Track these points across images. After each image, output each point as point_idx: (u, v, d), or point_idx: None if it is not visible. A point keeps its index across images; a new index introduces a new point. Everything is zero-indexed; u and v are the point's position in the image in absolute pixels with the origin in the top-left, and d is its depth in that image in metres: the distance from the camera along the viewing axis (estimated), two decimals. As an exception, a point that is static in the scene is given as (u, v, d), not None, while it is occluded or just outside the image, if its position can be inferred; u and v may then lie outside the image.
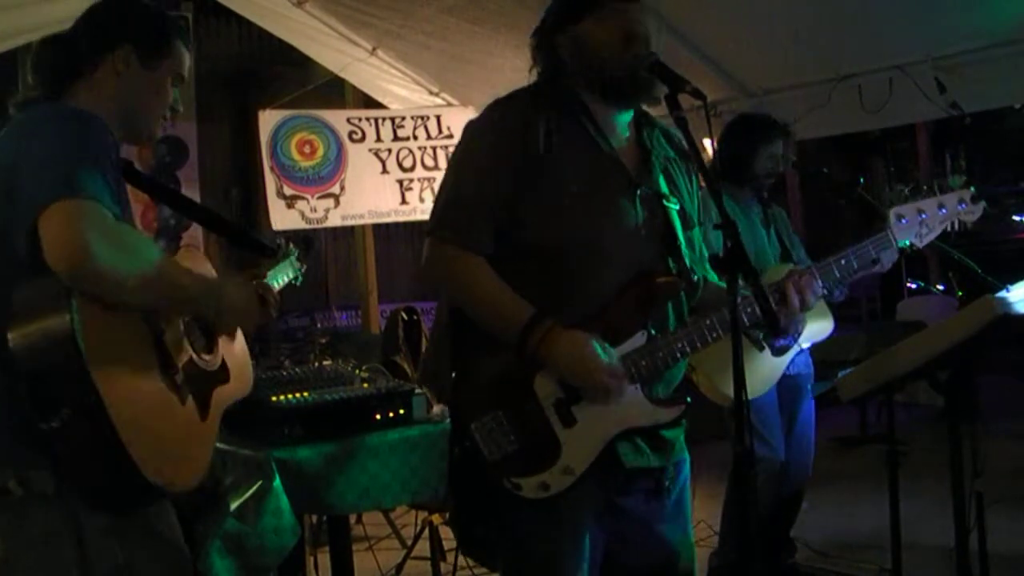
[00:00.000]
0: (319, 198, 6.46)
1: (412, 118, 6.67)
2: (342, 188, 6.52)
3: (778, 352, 3.77)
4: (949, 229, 2.45)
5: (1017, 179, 11.03)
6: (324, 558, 3.51)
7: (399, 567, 4.23)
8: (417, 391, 2.95)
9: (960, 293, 6.96)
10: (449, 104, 6.80)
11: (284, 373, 3.07)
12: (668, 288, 2.17)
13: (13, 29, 4.70)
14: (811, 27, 4.60)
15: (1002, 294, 2.42)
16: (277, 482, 2.60)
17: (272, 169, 6.37)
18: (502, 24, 5.37)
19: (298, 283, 2.70)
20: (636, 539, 2.25)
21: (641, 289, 2.14)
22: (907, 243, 2.37)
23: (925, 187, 2.41)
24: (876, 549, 4.18)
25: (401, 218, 6.80)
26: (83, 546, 1.79)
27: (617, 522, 2.22)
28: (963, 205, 2.39)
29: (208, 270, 2.25)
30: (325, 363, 3.34)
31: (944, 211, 2.36)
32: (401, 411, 2.89)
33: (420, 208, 6.58)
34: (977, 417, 3.00)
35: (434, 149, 6.67)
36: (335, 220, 6.57)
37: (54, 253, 1.67)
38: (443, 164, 6.54)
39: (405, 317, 5.03)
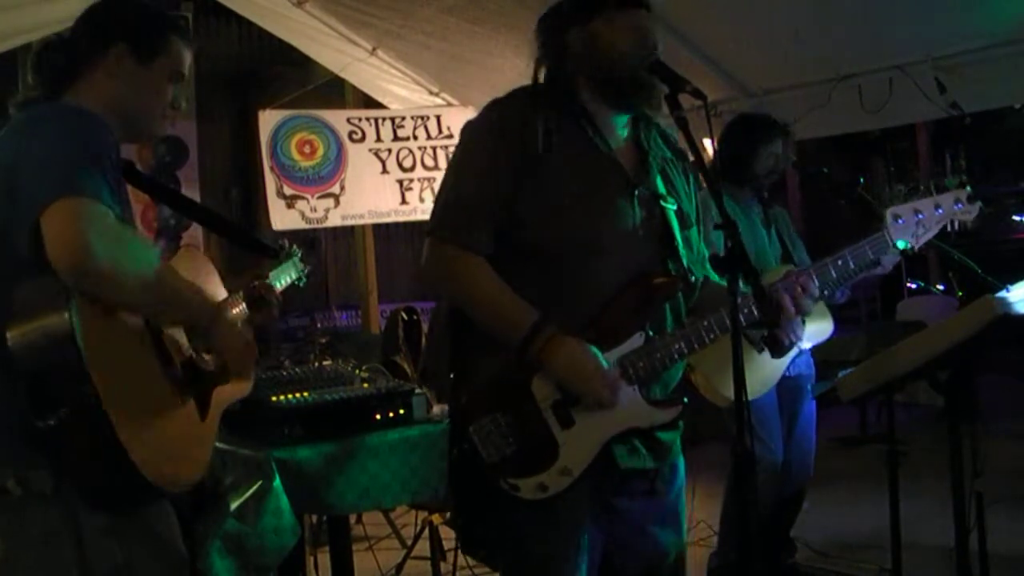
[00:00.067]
0: (319, 198, 6.46)
1: (412, 118, 6.66)
2: (342, 188, 6.52)
3: (777, 353, 3.76)
4: (949, 229, 2.45)
5: (1017, 179, 11.03)
6: (324, 558, 3.50)
7: (399, 567, 4.23)
8: (417, 391, 2.95)
9: (960, 293, 6.95)
10: (449, 104, 6.80)
11: (284, 373, 3.08)
12: (666, 289, 2.17)
13: (13, 29, 4.70)
14: (811, 27, 4.60)
15: (1002, 294, 2.42)
16: (277, 482, 2.60)
17: (272, 169, 6.37)
18: (502, 24, 5.37)
19: (301, 284, 2.71)
20: (629, 540, 2.25)
21: (639, 290, 2.14)
22: (907, 244, 2.36)
23: (922, 187, 2.41)
24: (876, 549, 4.18)
25: (401, 218, 6.80)
26: (82, 546, 1.79)
27: (614, 523, 2.22)
28: (960, 205, 2.39)
29: (210, 271, 2.26)
30: (325, 363, 3.34)
31: (941, 211, 2.36)
32: (401, 411, 2.89)
33: (420, 208, 6.58)
34: (977, 417, 3.00)
35: (434, 149, 6.66)
36: (335, 220, 6.57)
37: (55, 251, 1.67)
38: (443, 164, 6.54)
39: (405, 317, 5.01)
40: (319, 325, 7.24)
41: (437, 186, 2.32)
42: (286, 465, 2.64)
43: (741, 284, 1.93)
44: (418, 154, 6.66)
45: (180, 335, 1.99)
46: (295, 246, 2.76)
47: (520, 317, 2.08)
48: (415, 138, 6.65)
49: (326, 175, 6.48)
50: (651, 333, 2.15)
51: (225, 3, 6.12)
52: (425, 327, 5.08)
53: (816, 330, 3.85)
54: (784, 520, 4.08)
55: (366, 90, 6.95)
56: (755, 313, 2.13)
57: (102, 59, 1.99)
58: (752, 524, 2.06)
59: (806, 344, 3.89)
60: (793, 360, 3.85)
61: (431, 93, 6.78)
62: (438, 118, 6.69)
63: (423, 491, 2.86)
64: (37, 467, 1.76)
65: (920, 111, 4.80)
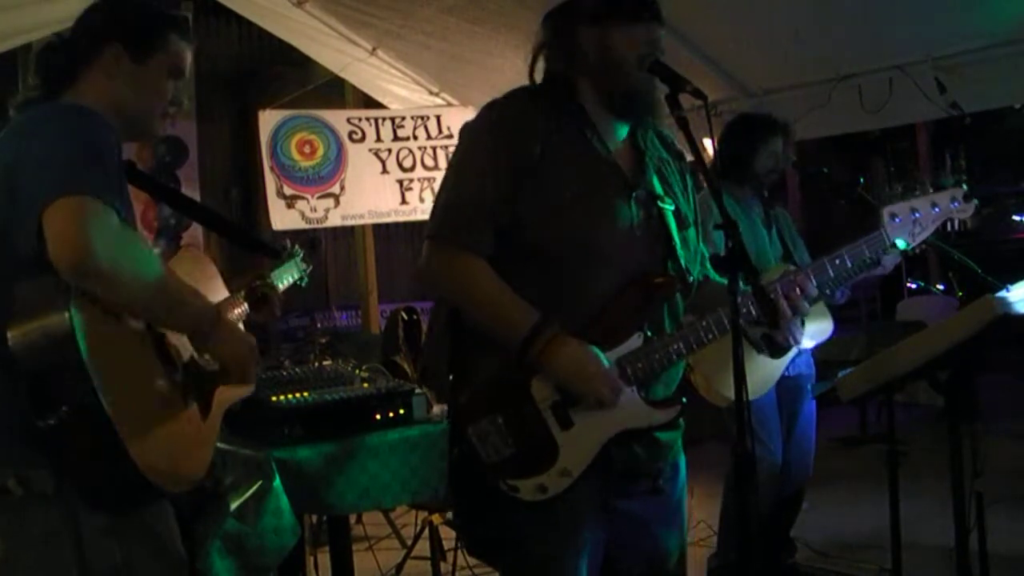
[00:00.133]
0: (319, 198, 6.46)
1: (412, 118, 6.67)
2: (342, 188, 6.52)
3: (777, 353, 3.77)
4: (949, 229, 2.46)
5: (1017, 179, 11.04)
6: (324, 558, 3.50)
7: (399, 567, 4.23)
8: (417, 391, 2.95)
9: (960, 293, 6.95)
10: (449, 104, 6.79)
11: (284, 373, 3.08)
12: (664, 289, 2.17)
13: (13, 29, 4.70)
14: (811, 27, 4.60)
15: (1002, 294, 2.42)
16: (277, 482, 2.60)
17: (272, 169, 6.37)
18: (502, 24, 5.37)
19: (303, 284, 2.71)
20: (632, 541, 2.25)
21: (637, 290, 2.14)
22: (906, 244, 2.37)
23: (918, 187, 2.41)
24: (876, 549, 4.18)
25: (401, 218, 6.80)
26: (82, 546, 1.79)
27: (614, 524, 2.22)
28: (956, 203, 2.39)
29: (212, 271, 2.26)
30: (325, 363, 3.34)
31: (937, 209, 2.37)
32: (401, 411, 2.89)
33: (420, 208, 6.58)
34: (977, 417, 3.00)
35: (434, 149, 6.67)
36: (335, 220, 6.57)
37: (56, 250, 1.67)
38: (443, 164, 6.54)
39: (405, 317, 5.02)
40: (319, 325, 7.24)
41: (437, 186, 2.32)
42: (286, 465, 2.64)
43: (741, 283, 1.93)
44: (418, 154, 6.66)
45: (182, 335, 1.98)
46: (296, 246, 2.76)
47: (521, 317, 2.08)
48: (415, 138, 6.65)
49: (326, 175, 6.48)
50: (649, 334, 2.15)
51: (225, 3, 6.12)
52: (425, 327, 5.08)
53: (816, 330, 3.85)
54: (784, 520, 4.08)
55: (366, 90, 6.95)
56: (753, 313, 2.13)
57: (100, 59, 1.98)
58: (752, 524, 2.06)
59: (807, 344, 3.89)
60: (793, 360, 3.85)
61: (431, 93, 6.78)
62: (438, 118, 6.69)
63: (423, 491, 2.86)
64: (38, 467, 1.76)
65: (920, 111, 4.80)
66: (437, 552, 3.98)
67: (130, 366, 1.79)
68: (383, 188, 6.61)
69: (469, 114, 2.29)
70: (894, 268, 3.94)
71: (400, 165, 6.64)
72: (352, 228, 7.28)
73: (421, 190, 6.64)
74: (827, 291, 3.59)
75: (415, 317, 4.96)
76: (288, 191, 6.38)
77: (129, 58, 1.99)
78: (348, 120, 6.61)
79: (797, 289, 2.19)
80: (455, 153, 2.26)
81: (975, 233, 10.28)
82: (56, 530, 1.79)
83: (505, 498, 2.08)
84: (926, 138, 10.74)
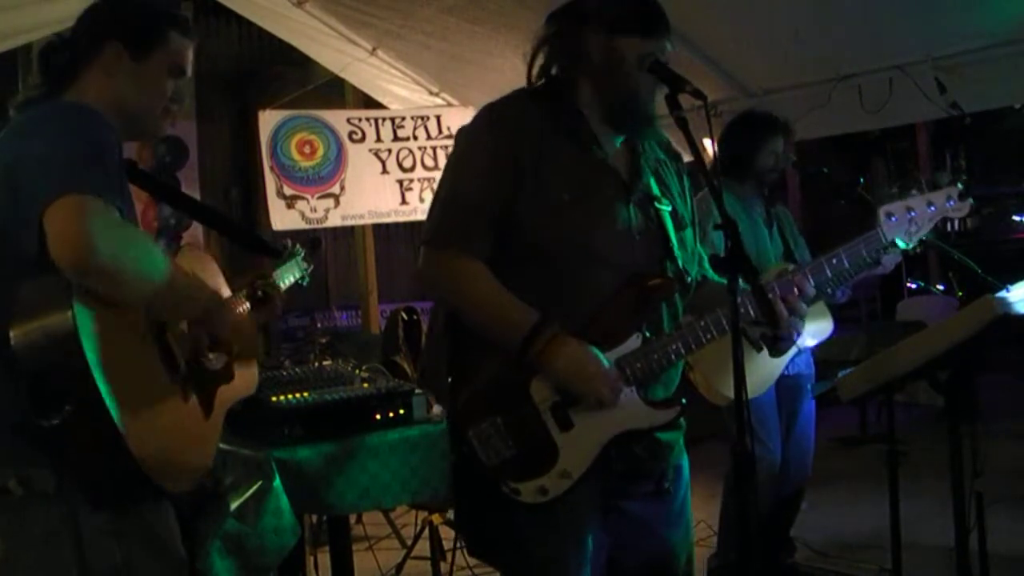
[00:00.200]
0: (319, 198, 6.46)
1: (412, 118, 6.66)
2: (342, 188, 6.51)
3: (776, 353, 3.77)
4: (949, 229, 2.47)
5: (1017, 179, 11.04)
6: (324, 558, 3.51)
7: (399, 567, 4.23)
8: (417, 391, 2.94)
9: (960, 293, 6.95)
10: (449, 104, 6.79)
11: (284, 373, 3.07)
12: (662, 290, 2.17)
13: (13, 29, 4.69)
14: (811, 27, 4.60)
15: (1002, 294, 2.42)
16: (277, 482, 2.60)
17: (272, 169, 6.37)
18: (502, 24, 5.37)
19: (304, 283, 2.71)
20: (638, 542, 2.25)
21: (635, 291, 2.14)
22: (904, 243, 2.37)
23: (914, 184, 2.42)
24: (876, 549, 4.18)
25: (401, 218, 6.80)
26: (82, 545, 1.79)
27: (617, 525, 2.22)
28: (952, 202, 2.39)
29: (214, 270, 2.26)
30: (325, 363, 3.34)
31: (933, 208, 2.37)
32: (401, 411, 2.89)
33: (420, 208, 6.57)
34: (977, 417, 3.00)
35: (434, 149, 6.67)
36: (335, 220, 6.56)
37: (57, 249, 1.66)
38: (443, 164, 6.52)
39: (405, 317, 5.02)
40: (319, 325, 7.24)
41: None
42: (286, 465, 2.64)
43: (741, 283, 1.93)
44: (418, 154, 6.66)
45: (185, 334, 1.98)
46: (298, 245, 2.76)
47: (520, 318, 2.08)
48: (415, 138, 6.65)
49: (326, 175, 6.48)
50: (648, 334, 2.15)
51: (225, 3, 6.11)
52: (425, 327, 5.08)
53: (816, 329, 3.85)
54: (783, 520, 4.08)
55: (366, 90, 6.94)
56: (752, 313, 2.13)
57: (100, 58, 1.98)
58: (752, 524, 2.06)
59: (810, 342, 3.89)
60: (792, 359, 3.85)
61: (431, 93, 6.78)
62: (438, 118, 6.69)
63: (423, 491, 2.86)
64: (38, 466, 1.76)
65: (920, 111, 4.80)
66: (437, 552, 3.98)
67: (133, 365, 1.79)
68: (383, 188, 6.61)
69: (469, 114, 2.28)
70: (894, 268, 3.94)
71: (400, 165, 6.64)
72: (352, 228, 7.28)
73: (421, 190, 6.64)
74: (827, 290, 3.60)
75: (415, 317, 4.96)
76: (288, 191, 6.38)
77: (129, 57, 1.99)
78: (348, 120, 6.60)
79: (795, 290, 2.19)
80: (451, 156, 2.26)
81: (975, 233, 10.28)
82: (56, 530, 1.79)
83: (506, 500, 2.08)
84: (926, 138, 10.73)
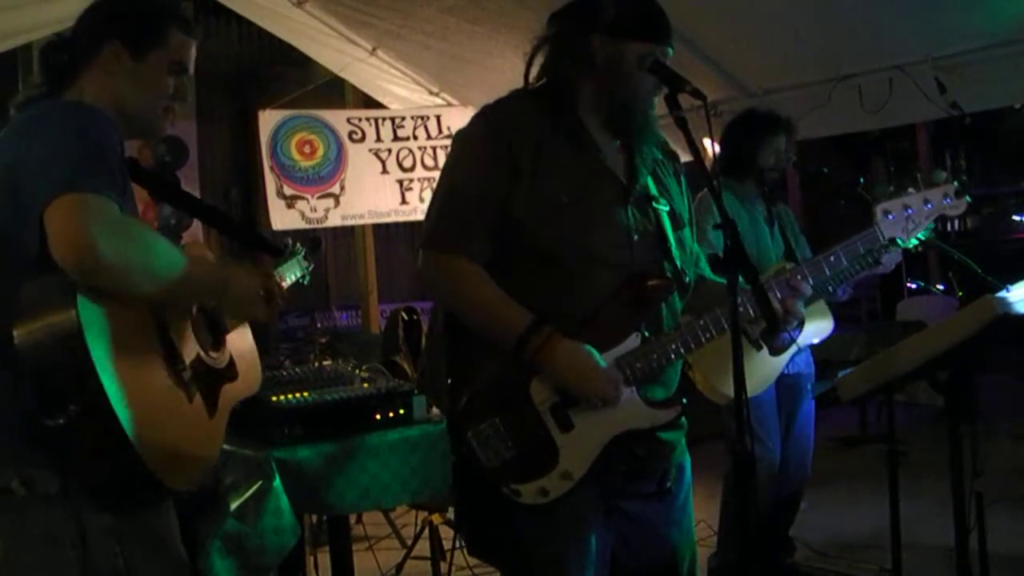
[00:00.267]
0: (319, 198, 6.46)
1: (412, 118, 6.67)
2: (342, 188, 6.52)
3: (776, 351, 3.77)
4: (949, 229, 2.47)
5: (1017, 179, 11.04)
6: (324, 558, 3.51)
7: (399, 567, 4.23)
8: (417, 392, 2.94)
9: (960, 293, 6.95)
10: (449, 104, 6.79)
11: (284, 373, 3.07)
12: (661, 290, 2.18)
13: (13, 29, 4.70)
14: (811, 27, 4.60)
15: (1002, 294, 2.42)
16: (277, 482, 2.60)
17: (272, 169, 6.37)
18: (502, 24, 5.37)
19: (305, 282, 2.71)
20: (640, 542, 2.25)
21: (634, 291, 2.15)
22: (903, 242, 2.37)
23: (910, 182, 2.42)
24: (876, 549, 4.18)
25: (401, 218, 6.80)
26: (84, 546, 1.79)
27: (619, 525, 2.22)
28: (948, 200, 2.40)
29: None
30: (325, 363, 3.34)
31: (930, 205, 2.37)
32: (401, 411, 2.89)
33: (420, 208, 6.57)
34: (977, 417, 3.00)
35: (434, 149, 6.67)
36: (335, 220, 6.57)
37: (58, 249, 1.66)
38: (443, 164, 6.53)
39: (405, 317, 5.02)
40: (319, 325, 7.25)
41: (437, 186, 2.31)
42: (286, 465, 2.64)
43: (741, 282, 1.93)
44: (418, 154, 6.66)
45: (189, 333, 1.98)
46: (299, 244, 2.76)
47: (516, 318, 2.08)
48: (415, 138, 6.65)
49: (326, 175, 6.48)
50: (647, 334, 2.15)
51: (225, 3, 6.11)
52: (425, 327, 5.08)
53: (816, 329, 3.85)
54: (782, 520, 4.08)
55: (366, 90, 6.95)
56: (751, 312, 2.13)
57: (100, 57, 1.98)
58: (752, 524, 2.06)
59: (807, 342, 3.89)
60: (792, 358, 3.85)
61: (431, 93, 6.78)
62: (438, 118, 6.69)
63: (423, 491, 2.86)
64: (41, 466, 1.76)
65: (920, 111, 4.80)
66: (437, 552, 3.98)
67: (137, 364, 1.78)
68: (383, 188, 6.61)
69: (469, 114, 2.28)
70: (894, 268, 3.94)
71: (400, 165, 6.64)
72: (352, 228, 7.28)
73: (421, 190, 6.64)
74: (828, 288, 3.60)
75: (415, 317, 4.96)
76: (288, 191, 6.38)
77: (129, 56, 1.99)
78: (348, 120, 6.60)
79: (792, 290, 2.19)
80: (449, 157, 2.26)
81: (975, 233, 10.28)
82: (57, 530, 1.79)
83: (506, 500, 2.08)
84: (926, 138, 10.73)
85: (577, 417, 2.10)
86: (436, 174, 6.49)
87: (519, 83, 2.26)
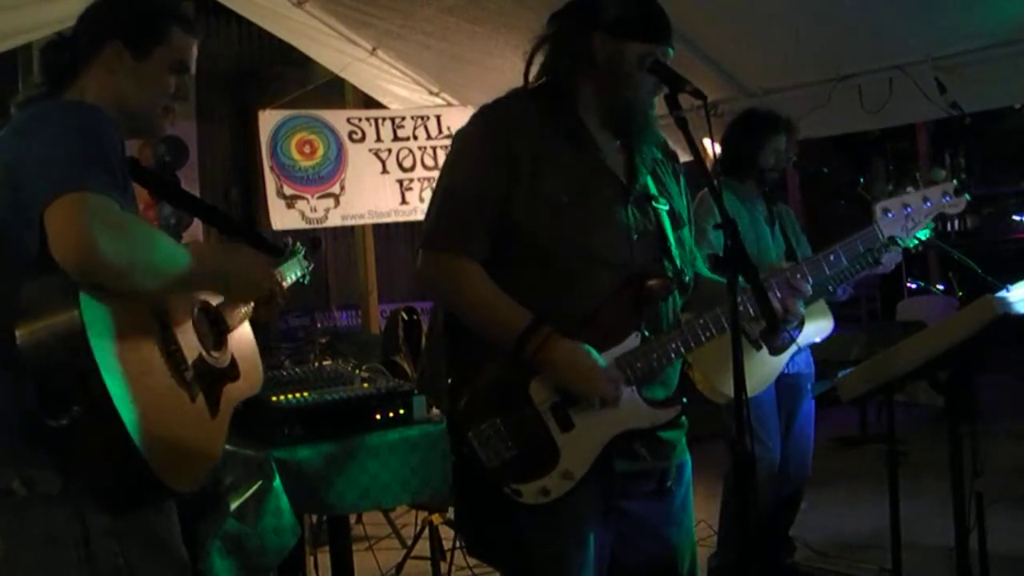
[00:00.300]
0: (319, 198, 6.46)
1: (412, 118, 6.67)
2: (342, 188, 6.52)
3: (776, 351, 3.77)
4: (949, 229, 2.47)
5: (1017, 179, 11.04)
6: (324, 558, 3.51)
7: (399, 567, 4.23)
8: (417, 391, 2.94)
9: (960, 293, 6.95)
10: (449, 104, 6.79)
11: (284, 373, 3.07)
12: (660, 290, 2.17)
13: (13, 29, 4.70)
14: (811, 27, 4.60)
15: (1002, 294, 2.42)
16: (277, 482, 2.60)
17: (272, 169, 6.37)
18: (502, 24, 5.37)
19: (306, 282, 2.71)
20: (640, 542, 2.25)
21: (634, 291, 2.14)
22: (903, 241, 2.37)
23: (909, 181, 2.42)
24: (876, 549, 4.18)
25: (401, 218, 6.80)
26: (85, 546, 1.79)
27: (620, 525, 2.22)
28: (947, 198, 2.40)
29: None
30: (325, 363, 3.34)
31: (929, 204, 2.38)
32: (401, 411, 2.89)
33: (420, 208, 6.57)
34: (977, 417, 3.00)
35: (434, 149, 6.67)
36: (335, 220, 6.57)
37: (59, 249, 1.66)
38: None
39: (405, 317, 5.02)
40: (319, 325, 7.24)
41: (438, 186, 2.31)
42: (286, 465, 2.64)
43: (741, 281, 1.93)
44: (418, 154, 6.66)
45: (191, 332, 1.98)
46: (299, 243, 2.76)
47: (516, 317, 2.08)
48: (415, 138, 6.65)
49: (326, 175, 6.48)
50: (647, 333, 2.15)
51: (225, 3, 6.11)
52: (425, 327, 5.08)
53: (816, 328, 3.85)
54: (782, 519, 4.08)
55: (366, 90, 6.95)
56: (751, 311, 2.13)
57: (100, 56, 1.98)
58: (752, 524, 2.06)
59: (806, 342, 3.89)
60: (792, 358, 3.85)
61: (431, 93, 6.78)
62: (438, 118, 6.69)
63: (423, 491, 2.86)
64: (42, 467, 1.76)
65: (920, 111, 4.81)
66: (437, 552, 3.98)
67: (140, 364, 1.78)
68: (383, 188, 6.61)
69: (469, 114, 2.28)
70: (894, 268, 3.94)
71: (400, 165, 6.64)
72: (352, 228, 7.29)
73: (421, 190, 6.64)
74: (828, 288, 3.60)
75: (415, 317, 4.96)
76: (288, 191, 6.38)
77: (130, 55, 1.99)
78: (348, 120, 6.61)
79: (792, 289, 2.19)
80: (448, 157, 2.26)
81: (975, 233, 10.28)
82: (57, 530, 1.78)
83: (507, 500, 2.08)
84: (926, 138, 10.73)
85: (577, 417, 2.10)
86: (436, 174, 6.48)
87: (519, 83, 2.25)
